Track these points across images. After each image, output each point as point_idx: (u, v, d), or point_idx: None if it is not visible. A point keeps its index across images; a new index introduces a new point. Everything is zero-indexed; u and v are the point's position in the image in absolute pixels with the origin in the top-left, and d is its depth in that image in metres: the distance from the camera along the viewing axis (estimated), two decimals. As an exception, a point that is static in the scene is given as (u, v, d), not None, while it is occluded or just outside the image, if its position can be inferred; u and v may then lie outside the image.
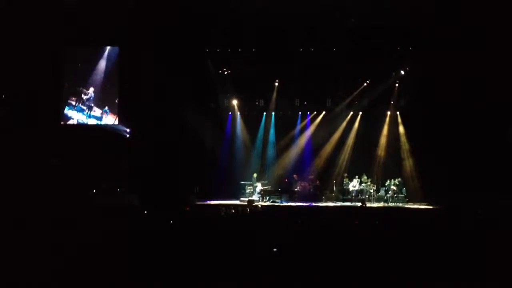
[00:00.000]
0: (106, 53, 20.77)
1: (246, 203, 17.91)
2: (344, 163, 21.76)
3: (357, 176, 20.97)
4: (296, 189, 20.96)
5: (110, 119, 20.72)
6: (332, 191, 21.30)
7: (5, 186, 15.96)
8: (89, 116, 20.78)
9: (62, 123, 20.75)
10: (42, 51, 19.34)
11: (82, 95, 20.77)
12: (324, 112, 22.24)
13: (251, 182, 21.18)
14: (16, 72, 19.13)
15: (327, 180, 21.60)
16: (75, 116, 20.80)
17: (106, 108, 20.75)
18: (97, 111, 20.78)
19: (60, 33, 19.30)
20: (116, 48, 20.71)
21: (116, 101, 20.70)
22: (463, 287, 6.13)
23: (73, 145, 19.27)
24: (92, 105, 20.78)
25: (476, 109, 18.72)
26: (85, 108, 20.78)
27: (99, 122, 20.78)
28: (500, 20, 17.41)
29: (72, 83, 20.85)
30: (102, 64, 20.76)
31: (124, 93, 20.51)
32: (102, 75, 20.77)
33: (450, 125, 19.31)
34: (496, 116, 18.65)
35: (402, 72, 20.73)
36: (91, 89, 20.78)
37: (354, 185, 20.83)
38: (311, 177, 21.44)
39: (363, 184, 20.84)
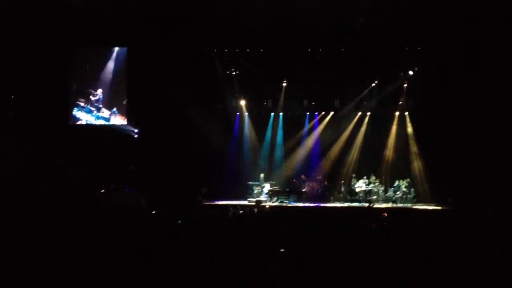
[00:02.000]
0: (114, 54, 20.85)
1: (254, 203, 17.94)
2: (352, 163, 21.72)
3: (365, 177, 20.91)
4: (304, 190, 20.93)
5: (118, 120, 20.81)
6: (340, 191, 21.27)
7: (12, 186, 16.02)
8: (98, 117, 20.86)
9: (70, 124, 20.85)
10: (51, 52, 19.42)
11: (91, 96, 20.85)
12: (332, 113, 22.21)
13: (259, 183, 21.18)
14: (24, 73, 19.22)
15: (335, 180, 21.56)
16: (83, 117, 20.88)
17: (115, 109, 20.83)
18: (105, 112, 20.86)
19: (68, 34, 19.37)
20: (125, 49, 20.78)
21: (124, 102, 20.77)
22: (471, 286, 6.11)
23: (82, 146, 19.32)
24: (101, 106, 20.86)
25: (486, 109, 18.61)
26: (93, 109, 20.86)
27: (107, 123, 20.86)
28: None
29: (81, 84, 20.95)
30: (111, 65, 20.83)
31: (133, 93, 20.58)
32: (111, 76, 20.85)
33: (459, 126, 19.19)
34: (506, 117, 18.52)
35: (411, 72, 20.65)
36: (100, 90, 20.86)
37: (361, 185, 20.77)
38: (319, 177, 21.41)
39: (371, 185, 20.77)
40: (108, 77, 20.87)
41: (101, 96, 20.86)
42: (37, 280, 6.07)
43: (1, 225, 8.31)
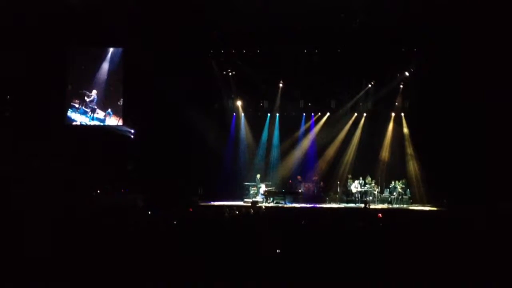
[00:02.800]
0: (109, 55, 20.80)
1: (250, 204, 17.91)
2: (348, 164, 21.71)
3: (360, 178, 20.89)
4: (300, 191, 20.92)
5: (113, 121, 20.76)
6: (336, 192, 21.26)
7: (10, 187, 16.00)
8: (92, 119, 20.80)
9: (66, 125, 20.77)
10: (47, 53, 19.35)
11: (85, 98, 20.77)
12: (328, 114, 22.20)
13: (255, 183, 21.17)
14: (20, 74, 19.15)
15: (331, 181, 21.55)
16: (78, 119, 20.81)
17: (109, 110, 20.78)
18: (100, 113, 20.79)
19: (64, 35, 19.32)
20: (119, 50, 20.74)
21: (119, 103, 20.73)
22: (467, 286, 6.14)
23: (78, 146, 19.29)
24: (95, 107, 20.80)
25: (481, 110, 18.65)
26: (88, 110, 20.79)
27: (102, 124, 20.79)
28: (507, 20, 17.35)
29: (76, 86, 20.87)
30: (105, 66, 20.77)
31: (129, 94, 20.55)
32: (105, 77, 20.79)
33: (455, 126, 19.23)
34: (502, 117, 18.56)
35: (407, 73, 20.68)
36: (94, 91, 20.79)
37: (357, 186, 20.77)
38: (315, 178, 21.41)
39: (367, 186, 20.77)
40: (102, 78, 20.81)
41: (95, 97, 20.79)
42: (35, 280, 6.07)
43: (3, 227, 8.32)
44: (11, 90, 19.95)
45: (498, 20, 17.43)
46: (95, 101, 20.81)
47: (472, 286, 6.19)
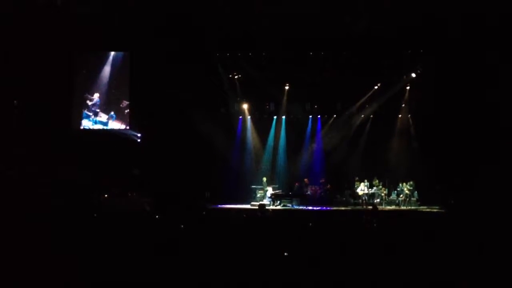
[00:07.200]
0: (111, 58, 20.85)
1: (257, 207, 17.90)
2: (355, 166, 21.68)
3: (365, 180, 20.82)
4: (307, 193, 20.89)
5: (116, 124, 20.80)
6: (343, 195, 21.22)
7: (14, 191, 16.04)
8: (95, 122, 20.85)
9: (74, 129, 20.84)
10: (49, 58, 19.39)
11: (87, 101, 20.83)
12: (334, 116, 22.19)
13: (262, 186, 21.16)
14: (23, 79, 19.20)
15: (338, 184, 21.51)
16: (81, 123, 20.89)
17: (112, 113, 20.83)
18: (103, 117, 20.83)
19: (68, 40, 19.35)
20: (121, 54, 20.80)
21: (121, 105, 20.76)
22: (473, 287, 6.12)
23: (84, 150, 19.33)
24: (98, 110, 20.84)
25: (489, 111, 18.58)
26: (91, 114, 20.83)
27: (105, 128, 20.83)
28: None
29: (78, 89, 20.92)
30: (107, 69, 20.82)
31: (135, 98, 20.59)
32: (107, 80, 20.84)
33: (462, 127, 19.17)
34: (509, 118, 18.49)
35: (414, 75, 20.65)
36: (96, 95, 20.84)
37: (364, 188, 20.72)
38: (322, 181, 21.36)
39: (374, 188, 20.73)
40: (104, 82, 20.85)
41: (98, 101, 20.83)
42: (39, 283, 6.08)
43: (5, 229, 8.33)
44: (15, 95, 19.98)
45: (503, 19, 17.40)
46: (97, 104, 20.86)
47: (477, 286, 6.17)
